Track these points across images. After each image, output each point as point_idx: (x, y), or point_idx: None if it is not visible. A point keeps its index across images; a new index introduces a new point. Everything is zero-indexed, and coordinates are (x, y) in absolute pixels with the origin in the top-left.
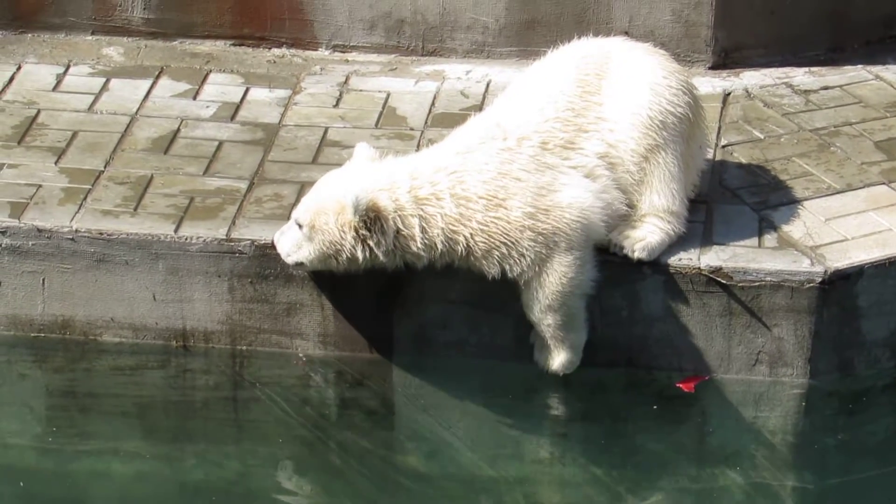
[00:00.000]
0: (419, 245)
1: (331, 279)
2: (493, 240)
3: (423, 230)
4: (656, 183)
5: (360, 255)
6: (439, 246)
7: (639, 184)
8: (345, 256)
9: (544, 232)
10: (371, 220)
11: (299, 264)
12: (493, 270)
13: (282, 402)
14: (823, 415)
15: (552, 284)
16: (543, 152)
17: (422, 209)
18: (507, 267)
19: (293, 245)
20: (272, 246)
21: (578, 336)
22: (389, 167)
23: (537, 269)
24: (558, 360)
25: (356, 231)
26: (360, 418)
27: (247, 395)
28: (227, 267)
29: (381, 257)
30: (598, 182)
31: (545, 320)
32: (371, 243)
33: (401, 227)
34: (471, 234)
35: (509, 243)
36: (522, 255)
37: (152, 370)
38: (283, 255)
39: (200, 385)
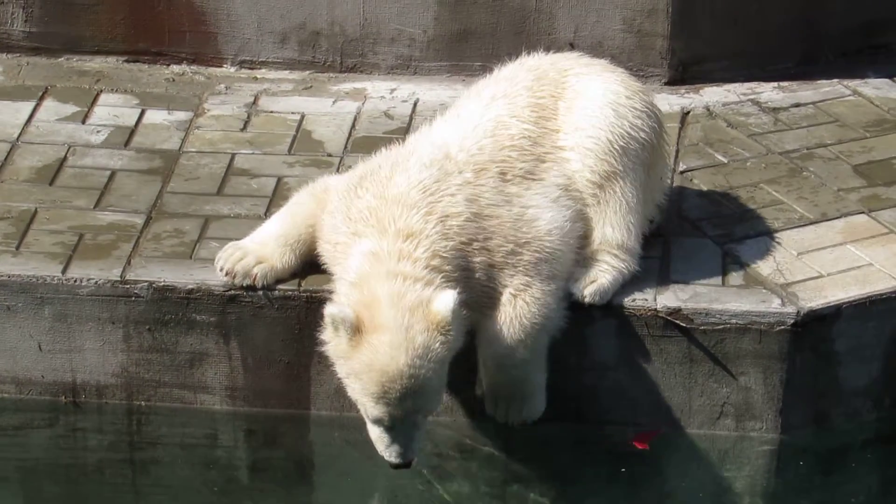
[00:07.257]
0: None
1: (238, 325)
2: (479, 283)
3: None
4: (611, 214)
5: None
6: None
7: (593, 215)
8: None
9: (525, 265)
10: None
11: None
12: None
13: (185, 465)
14: (797, 474)
15: (529, 316)
16: (504, 183)
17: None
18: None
19: (418, 437)
20: (171, 289)
21: (542, 377)
22: (371, 266)
23: (513, 300)
24: (526, 405)
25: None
26: (274, 483)
27: (145, 457)
28: (122, 312)
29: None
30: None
31: (511, 359)
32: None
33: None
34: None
35: (493, 286)
36: (500, 292)
37: (39, 429)
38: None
39: (93, 446)
